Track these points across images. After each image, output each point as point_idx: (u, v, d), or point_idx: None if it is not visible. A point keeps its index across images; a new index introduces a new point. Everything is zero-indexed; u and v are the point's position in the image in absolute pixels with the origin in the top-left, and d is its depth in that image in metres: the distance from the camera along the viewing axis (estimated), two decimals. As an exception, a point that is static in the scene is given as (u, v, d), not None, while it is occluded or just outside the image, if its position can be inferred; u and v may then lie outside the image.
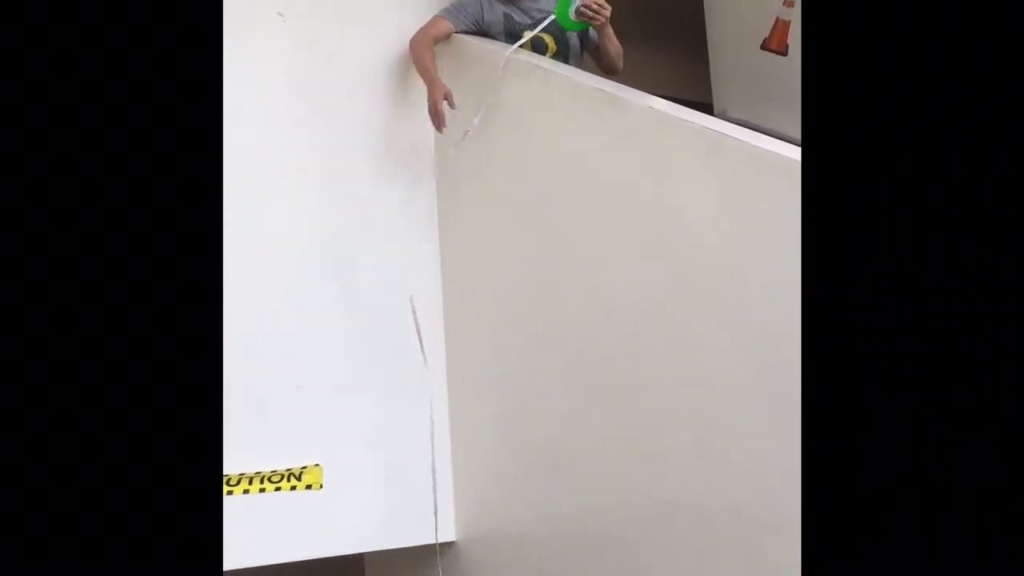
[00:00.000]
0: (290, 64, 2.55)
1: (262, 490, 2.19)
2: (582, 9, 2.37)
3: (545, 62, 2.37)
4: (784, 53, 3.51)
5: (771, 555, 1.59)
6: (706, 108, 3.75)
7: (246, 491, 2.15)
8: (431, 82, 2.45)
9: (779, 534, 1.55)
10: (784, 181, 1.58)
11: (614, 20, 2.46)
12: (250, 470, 2.19)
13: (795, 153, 1.61)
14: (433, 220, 2.66)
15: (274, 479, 2.21)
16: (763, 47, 3.52)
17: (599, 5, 2.37)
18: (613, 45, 2.56)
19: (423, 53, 2.52)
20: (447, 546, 2.49)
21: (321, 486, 2.25)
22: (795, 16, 3.46)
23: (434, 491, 2.45)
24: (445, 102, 2.37)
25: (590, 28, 2.52)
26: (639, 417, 1.92)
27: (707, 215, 1.80)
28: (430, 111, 2.40)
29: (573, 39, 2.57)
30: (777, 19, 3.54)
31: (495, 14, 2.58)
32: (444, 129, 2.40)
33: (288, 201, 2.47)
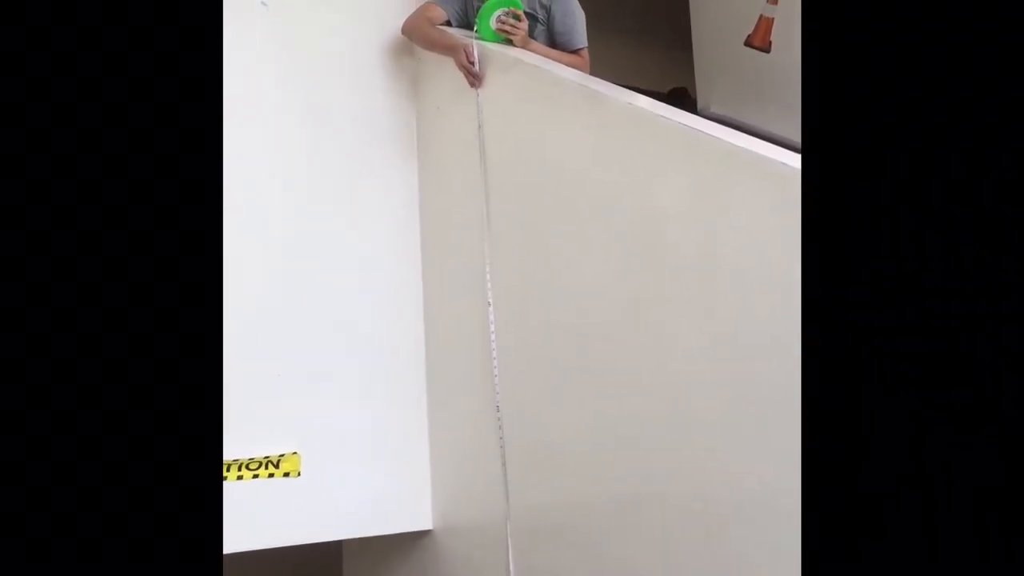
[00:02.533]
0: (271, 53, 2.55)
1: (240, 477, 2.19)
2: (498, 26, 2.41)
3: (529, 57, 2.37)
4: (767, 50, 3.55)
5: (738, 544, 1.63)
6: (691, 103, 3.80)
7: (223, 478, 2.15)
8: (449, 47, 2.46)
9: (747, 523, 1.61)
10: (760, 178, 1.62)
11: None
12: (228, 457, 2.19)
13: (772, 151, 1.63)
14: (415, 211, 2.68)
15: (252, 466, 2.21)
16: (747, 43, 3.55)
17: (512, 24, 2.40)
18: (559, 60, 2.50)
19: (426, 29, 2.54)
20: (424, 534, 2.52)
21: (299, 474, 2.25)
22: (778, 13, 3.49)
23: (412, 480, 2.48)
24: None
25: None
26: (615, 412, 1.95)
27: (684, 211, 1.81)
28: (464, 73, 2.41)
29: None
30: (761, 16, 3.57)
31: (473, 6, 2.59)
32: (483, 81, 2.40)
33: (269, 191, 2.47)
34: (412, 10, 2.66)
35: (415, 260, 2.65)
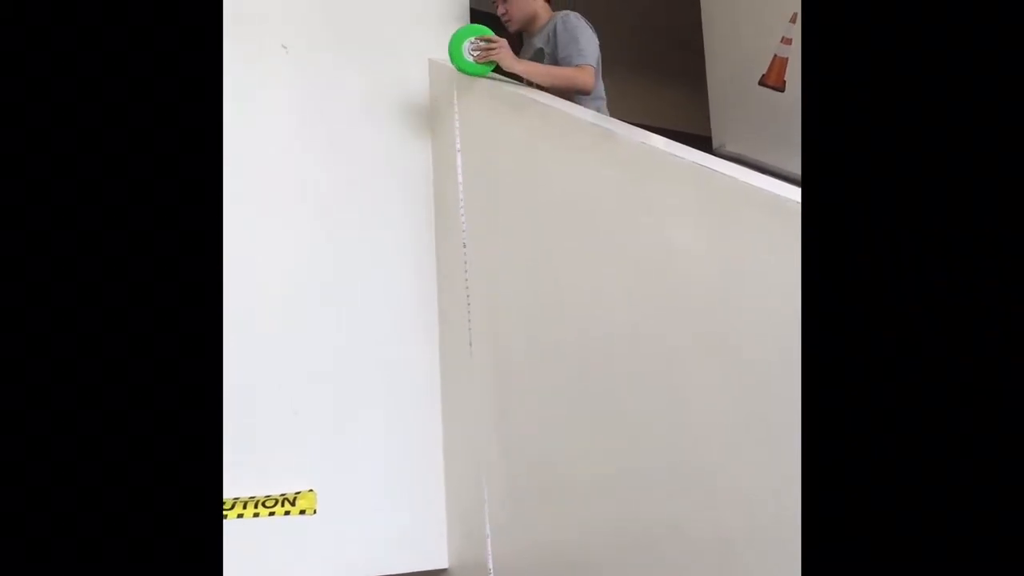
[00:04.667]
0: (293, 94, 2.61)
1: (256, 515, 2.19)
2: (472, 52, 2.43)
3: (544, 97, 2.39)
4: (782, 89, 3.58)
5: (752, 573, 1.62)
6: (705, 141, 3.83)
7: (240, 515, 2.16)
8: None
9: (759, 553, 1.60)
10: (774, 216, 1.61)
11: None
12: (244, 494, 2.20)
13: (785, 190, 1.63)
14: (431, 247, 2.71)
15: (268, 504, 2.21)
16: (761, 83, 3.58)
17: (486, 47, 2.43)
18: (545, 82, 2.51)
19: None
20: (440, 573, 2.51)
21: (315, 511, 2.25)
22: (793, 53, 3.52)
23: (428, 518, 2.48)
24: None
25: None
26: (630, 446, 1.93)
27: (698, 250, 1.80)
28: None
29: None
30: (775, 56, 3.61)
31: None
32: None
33: (288, 227, 2.51)
34: (425, 52, 2.76)
35: (432, 298, 2.68)
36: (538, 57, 2.64)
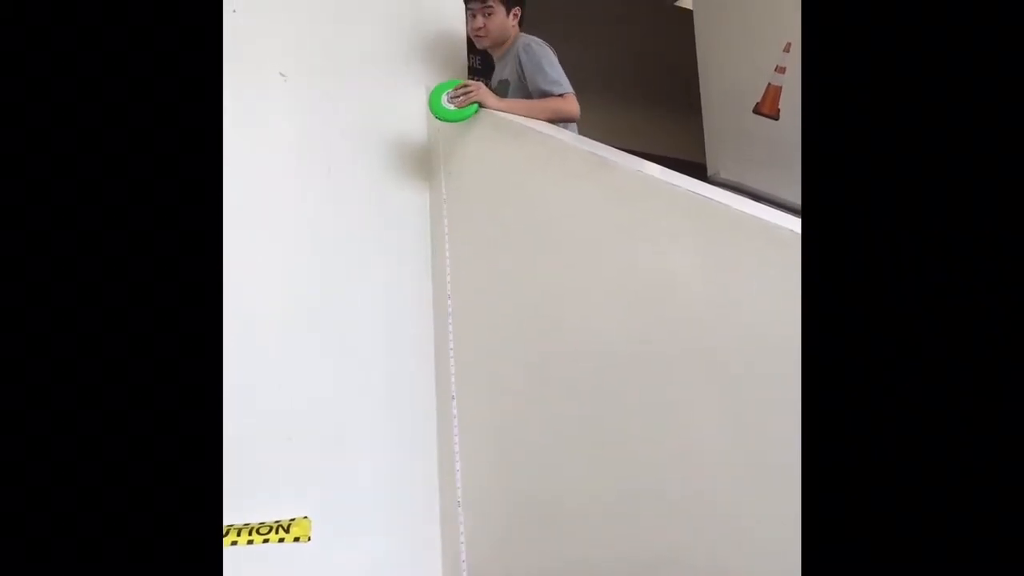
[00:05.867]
0: (291, 123, 2.61)
1: (250, 542, 2.17)
2: (457, 102, 2.48)
3: (540, 125, 2.40)
4: (776, 117, 3.61)
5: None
6: (700, 169, 3.87)
7: (234, 543, 2.14)
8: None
9: None
10: (768, 244, 1.61)
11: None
12: (238, 522, 2.20)
13: (779, 218, 1.63)
14: (427, 274, 2.72)
15: (262, 531, 2.20)
16: (755, 111, 3.62)
17: (464, 92, 2.46)
18: (530, 116, 2.50)
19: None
20: None
21: (309, 538, 2.24)
22: (787, 82, 3.54)
23: (423, 545, 2.46)
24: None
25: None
26: (626, 474, 1.93)
27: (693, 277, 1.81)
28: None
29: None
30: (769, 84, 3.65)
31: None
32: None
33: (284, 254, 2.51)
34: (422, 80, 2.78)
35: (428, 325, 2.68)
36: (502, 89, 2.66)
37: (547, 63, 2.56)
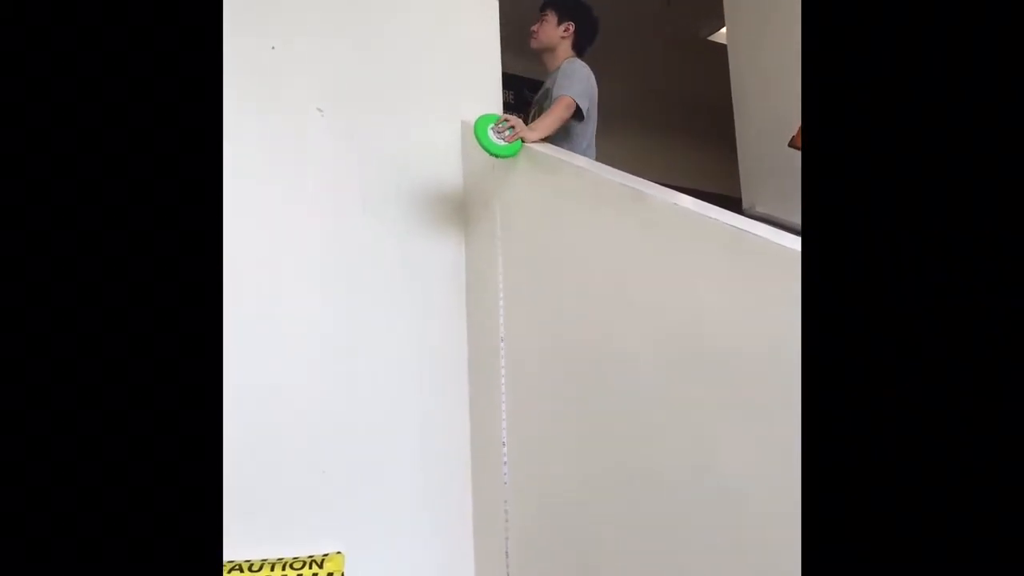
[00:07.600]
0: (328, 157, 2.66)
1: None
2: (507, 137, 2.50)
3: (576, 159, 2.45)
4: None
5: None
6: (735, 202, 3.89)
7: None
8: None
9: None
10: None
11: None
12: (272, 556, 2.22)
13: None
14: (462, 304, 2.75)
15: (296, 566, 2.22)
16: (791, 145, 3.61)
17: (510, 127, 2.51)
18: (551, 130, 2.64)
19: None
20: None
21: (342, 574, 2.26)
22: None
23: None
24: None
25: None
26: (666, 519, 1.92)
27: (729, 311, 1.80)
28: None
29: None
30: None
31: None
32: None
33: (319, 289, 2.54)
34: (458, 113, 2.89)
35: (462, 355, 2.70)
36: (544, 95, 2.87)
37: (576, 78, 2.81)
